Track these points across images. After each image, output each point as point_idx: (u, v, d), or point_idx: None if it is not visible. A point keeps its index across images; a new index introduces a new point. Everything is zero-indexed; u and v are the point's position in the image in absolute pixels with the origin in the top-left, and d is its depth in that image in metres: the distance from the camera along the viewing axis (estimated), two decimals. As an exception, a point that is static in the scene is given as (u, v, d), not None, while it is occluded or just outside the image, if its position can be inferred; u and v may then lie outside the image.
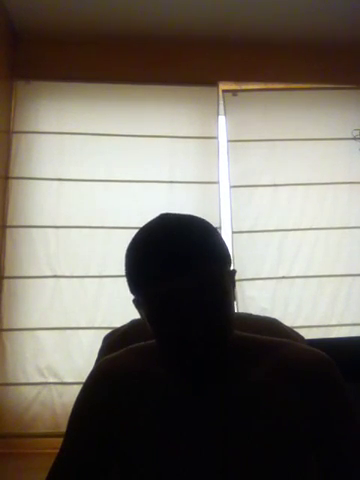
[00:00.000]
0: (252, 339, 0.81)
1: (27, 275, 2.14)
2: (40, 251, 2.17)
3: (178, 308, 0.68)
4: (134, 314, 1.05)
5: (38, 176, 2.25)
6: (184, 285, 0.67)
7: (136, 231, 0.77)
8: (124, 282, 0.77)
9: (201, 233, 0.72)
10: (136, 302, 0.77)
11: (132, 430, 0.74)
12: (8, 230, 2.19)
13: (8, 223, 2.19)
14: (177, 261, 0.67)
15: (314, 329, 2.19)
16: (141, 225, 0.77)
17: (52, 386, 2.05)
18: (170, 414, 0.74)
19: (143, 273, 0.71)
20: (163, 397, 0.75)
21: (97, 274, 2.17)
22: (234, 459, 0.70)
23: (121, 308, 2.06)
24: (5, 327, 2.10)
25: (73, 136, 2.29)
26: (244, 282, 2.20)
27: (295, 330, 1.03)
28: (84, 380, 0.83)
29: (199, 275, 0.68)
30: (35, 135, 2.29)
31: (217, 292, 0.70)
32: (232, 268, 0.78)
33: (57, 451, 0.78)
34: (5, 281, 2.14)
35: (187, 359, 0.70)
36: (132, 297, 0.78)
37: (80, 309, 2.13)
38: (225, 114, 2.42)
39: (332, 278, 2.26)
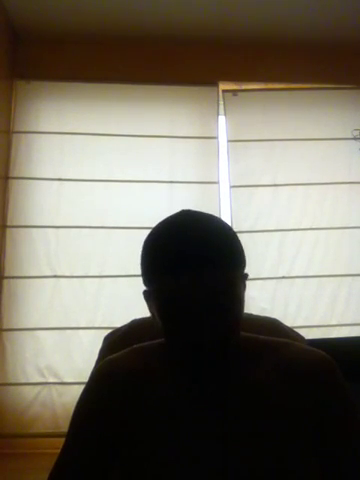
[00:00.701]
0: (253, 339, 0.81)
1: (27, 275, 2.14)
2: (40, 251, 2.17)
3: (188, 306, 0.68)
4: (134, 314, 1.05)
5: (38, 176, 2.25)
6: (192, 283, 0.67)
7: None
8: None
9: (217, 233, 0.72)
10: (146, 294, 0.77)
11: (134, 430, 0.74)
12: (8, 230, 2.19)
13: (8, 223, 2.19)
14: (189, 258, 0.68)
15: (314, 329, 2.19)
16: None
17: (52, 386, 2.05)
18: (172, 414, 0.74)
19: (154, 265, 0.71)
20: (165, 397, 0.75)
21: (97, 274, 2.16)
22: (235, 459, 0.70)
23: (121, 308, 2.06)
24: (5, 327, 2.10)
25: (73, 136, 2.29)
26: (244, 282, 2.20)
27: (295, 330, 1.03)
28: (84, 380, 0.83)
29: (209, 275, 0.68)
30: (35, 135, 2.29)
31: (228, 296, 0.70)
32: (245, 272, 0.78)
33: (57, 451, 0.78)
34: (5, 281, 2.14)
35: (191, 358, 0.70)
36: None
37: (80, 309, 2.13)
38: (225, 114, 2.42)
39: (332, 278, 2.26)
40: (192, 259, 0.67)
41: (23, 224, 2.20)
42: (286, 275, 2.25)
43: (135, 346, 0.84)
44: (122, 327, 1.05)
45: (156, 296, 0.73)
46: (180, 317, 0.69)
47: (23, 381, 2.05)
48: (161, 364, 0.78)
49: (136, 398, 0.76)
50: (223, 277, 0.69)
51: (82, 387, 0.83)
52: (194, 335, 0.68)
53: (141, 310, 0.98)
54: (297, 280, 2.25)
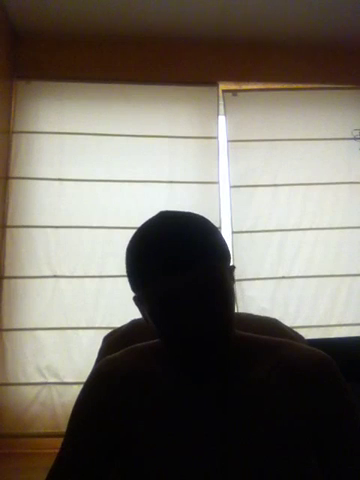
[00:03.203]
0: (253, 339, 0.81)
1: (27, 275, 2.15)
2: (40, 251, 2.17)
3: (178, 307, 0.68)
4: (134, 314, 1.05)
5: (38, 176, 2.25)
6: (184, 283, 0.67)
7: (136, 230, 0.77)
8: (124, 282, 0.77)
9: (200, 231, 0.72)
10: (136, 299, 0.77)
11: (133, 430, 0.74)
12: (8, 230, 2.19)
13: (8, 223, 2.19)
14: (177, 259, 0.67)
15: (314, 329, 2.19)
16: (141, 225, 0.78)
17: (52, 386, 2.05)
18: (171, 413, 0.74)
19: (143, 271, 0.71)
20: (164, 396, 0.75)
21: (97, 274, 2.17)
22: (234, 458, 0.70)
23: (121, 308, 2.06)
24: (5, 327, 2.10)
25: (73, 136, 2.29)
26: (244, 282, 2.21)
27: (295, 330, 1.03)
28: (84, 380, 0.83)
29: (199, 273, 0.68)
30: (35, 135, 2.29)
31: (218, 291, 0.70)
32: (231, 264, 0.78)
33: (57, 451, 0.78)
34: (5, 281, 2.14)
35: (188, 358, 0.70)
36: (132, 295, 0.78)
37: (80, 309, 2.13)
38: (225, 114, 2.42)
39: (332, 278, 2.26)
40: (178, 260, 0.67)
41: (23, 224, 2.20)
42: (286, 275, 2.25)
43: (133, 346, 0.84)
44: (122, 327, 1.05)
45: (147, 300, 0.72)
46: (173, 319, 0.69)
47: (23, 381, 2.05)
48: (160, 363, 0.78)
49: (135, 398, 0.76)
50: (212, 274, 0.69)
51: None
52: (189, 336, 0.68)
53: (141, 310, 0.98)
54: (297, 280, 2.25)
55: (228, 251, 0.76)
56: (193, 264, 0.67)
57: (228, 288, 0.72)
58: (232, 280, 0.76)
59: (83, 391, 0.81)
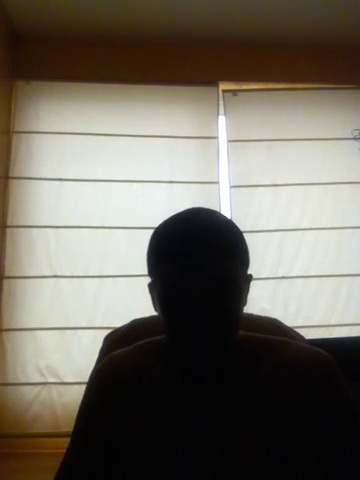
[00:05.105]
0: (253, 338, 0.81)
1: (27, 275, 2.14)
2: (40, 251, 2.17)
3: (189, 294, 0.68)
4: (134, 314, 1.05)
5: (38, 176, 2.25)
6: (198, 270, 0.67)
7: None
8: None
9: (226, 229, 0.73)
10: (151, 286, 0.77)
11: (135, 429, 0.74)
12: (8, 230, 2.18)
13: (8, 223, 2.19)
14: (196, 246, 0.68)
15: (314, 329, 2.19)
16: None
17: (52, 386, 2.05)
18: (171, 411, 0.74)
19: (161, 252, 0.72)
20: (164, 394, 0.75)
21: (97, 274, 2.16)
22: (234, 457, 0.70)
23: (121, 308, 2.06)
24: (5, 327, 2.10)
25: (73, 136, 2.29)
26: (244, 282, 2.20)
27: (295, 330, 1.03)
28: (84, 380, 0.83)
29: (215, 264, 0.68)
30: (35, 135, 2.28)
31: (230, 288, 0.70)
32: (249, 273, 0.78)
33: (57, 451, 0.78)
34: (5, 281, 2.14)
35: (189, 354, 0.70)
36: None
37: (80, 309, 2.13)
38: (225, 114, 2.42)
39: (332, 278, 2.26)
40: (194, 247, 0.68)
41: (23, 224, 2.20)
42: (286, 275, 2.25)
43: (138, 343, 0.84)
44: (122, 327, 1.05)
45: (158, 284, 0.73)
46: (181, 306, 0.69)
47: (23, 381, 2.04)
48: (163, 362, 0.78)
49: (138, 397, 0.76)
50: (225, 267, 0.69)
51: (82, 387, 0.83)
52: (193, 328, 0.68)
53: (141, 310, 0.98)
54: (297, 280, 2.25)
55: (247, 257, 0.76)
56: (206, 253, 0.68)
57: (238, 289, 0.72)
58: (246, 286, 0.76)
59: (88, 389, 0.82)
